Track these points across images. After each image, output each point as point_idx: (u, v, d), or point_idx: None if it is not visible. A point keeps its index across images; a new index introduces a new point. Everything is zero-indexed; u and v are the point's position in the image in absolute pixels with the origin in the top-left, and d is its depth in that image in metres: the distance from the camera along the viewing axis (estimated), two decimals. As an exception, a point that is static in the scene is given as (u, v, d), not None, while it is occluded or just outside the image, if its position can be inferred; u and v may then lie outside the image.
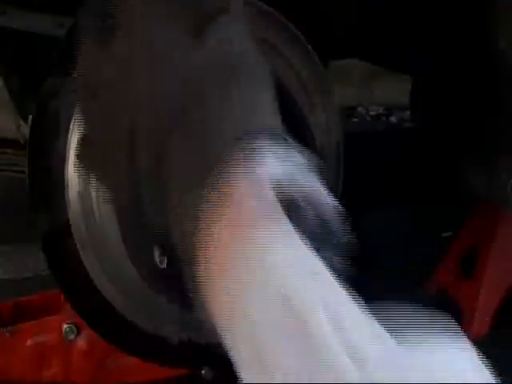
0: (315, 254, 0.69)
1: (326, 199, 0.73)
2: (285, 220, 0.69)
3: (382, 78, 3.89)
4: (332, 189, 1.30)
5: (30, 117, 1.08)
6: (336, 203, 0.74)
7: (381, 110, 4.01)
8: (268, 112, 0.77)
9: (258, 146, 0.71)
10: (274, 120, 0.78)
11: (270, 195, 0.69)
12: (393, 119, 3.94)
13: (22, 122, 1.94)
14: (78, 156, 0.93)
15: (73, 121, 1.07)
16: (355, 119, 3.93)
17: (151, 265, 1.05)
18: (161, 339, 1.23)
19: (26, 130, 1.88)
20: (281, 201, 0.70)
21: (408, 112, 3.63)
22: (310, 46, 1.20)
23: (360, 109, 4.02)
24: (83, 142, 0.94)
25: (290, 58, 1.18)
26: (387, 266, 1.97)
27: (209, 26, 0.80)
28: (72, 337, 1.48)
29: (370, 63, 1.68)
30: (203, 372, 1.62)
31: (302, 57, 1.19)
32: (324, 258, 0.69)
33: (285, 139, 0.75)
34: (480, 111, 1.46)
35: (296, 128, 1.12)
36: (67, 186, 1.08)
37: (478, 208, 2.04)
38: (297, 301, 0.64)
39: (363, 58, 1.62)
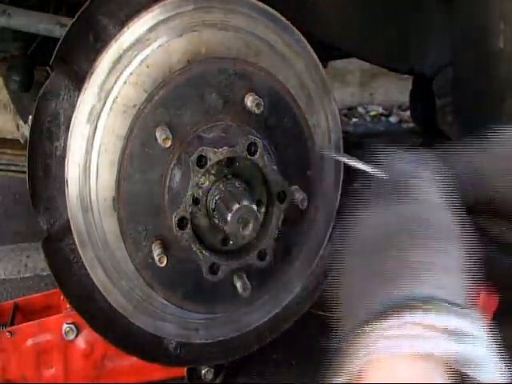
0: None
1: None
2: None
3: (382, 78, 3.89)
4: (332, 189, 1.32)
5: (30, 117, 1.08)
6: None
7: (381, 110, 4.01)
8: (445, 281, 0.67)
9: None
10: (452, 290, 0.66)
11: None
12: (393, 119, 3.94)
13: (21, 122, 1.94)
14: None
15: (73, 120, 1.07)
16: (355, 119, 3.93)
17: (150, 263, 1.05)
18: (159, 338, 1.23)
19: (25, 130, 1.88)
20: None
21: (408, 112, 3.64)
22: (310, 48, 1.20)
23: (360, 109, 4.02)
24: None
25: (292, 60, 1.18)
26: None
27: None
28: (72, 337, 1.48)
29: (369, 63, 1.67)
30: (203, 372, 1.62)
31: (302, 58, 1.19)
32: None
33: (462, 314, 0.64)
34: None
35: (296, 128, 1.13)
36: (67, 185, 1.08)
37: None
38: None
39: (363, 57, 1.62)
